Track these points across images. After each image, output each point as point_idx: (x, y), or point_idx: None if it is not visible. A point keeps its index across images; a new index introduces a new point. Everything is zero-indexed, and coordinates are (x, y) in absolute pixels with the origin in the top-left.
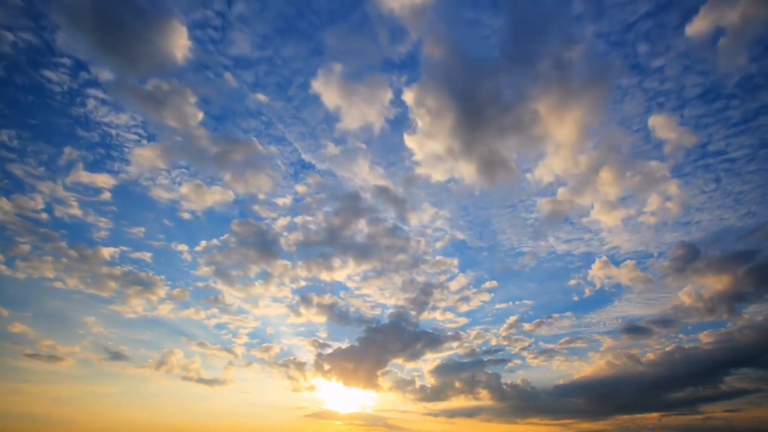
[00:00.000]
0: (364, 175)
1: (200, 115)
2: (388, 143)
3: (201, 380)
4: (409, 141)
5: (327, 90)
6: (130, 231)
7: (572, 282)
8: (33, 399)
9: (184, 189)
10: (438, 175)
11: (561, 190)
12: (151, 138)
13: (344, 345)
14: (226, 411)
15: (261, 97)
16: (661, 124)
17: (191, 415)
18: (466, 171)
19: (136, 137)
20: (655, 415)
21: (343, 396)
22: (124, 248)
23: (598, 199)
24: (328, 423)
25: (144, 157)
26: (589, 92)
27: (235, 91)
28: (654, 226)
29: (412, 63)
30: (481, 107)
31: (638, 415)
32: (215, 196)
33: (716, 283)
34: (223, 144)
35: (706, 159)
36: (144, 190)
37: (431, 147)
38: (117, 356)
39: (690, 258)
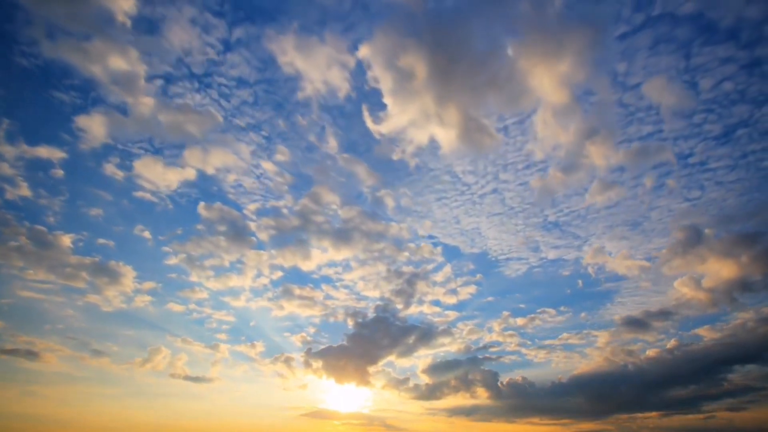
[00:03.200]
0: (333, 151)
1: (148, 84)
2: (353, 111)
3: (188, 378)
4: (378, 107)
5: (283, 50)
6: (89, 213)
7: (565, 273)
8: (14, 397)
9: (138, 165)
10: (415, 152)
11: (552, 169)
12: (97, 105)
13: (334, 340)
14: (218, 410)
15: (211, 51)
16: (657, 88)
17: (181, 414)
18: (445, 142)
19: (81, 104)
20: (655, 414)
21: (339, 395)
22: (85, 234)
23: (593, 178)
24: (326, 423)
25: (92, 128)
26: (577, 39)
27: (185, 53)
28: (650, 204)
29: (371, 17)
30: (453, 60)
31: (639, 414)
32: (176, 175)
33: (719, 270)
34: (177, 114)
35: (688, 169)
36: (96, 165)
37: (403, 115)
38: (98, 353)
39: (691, 243)
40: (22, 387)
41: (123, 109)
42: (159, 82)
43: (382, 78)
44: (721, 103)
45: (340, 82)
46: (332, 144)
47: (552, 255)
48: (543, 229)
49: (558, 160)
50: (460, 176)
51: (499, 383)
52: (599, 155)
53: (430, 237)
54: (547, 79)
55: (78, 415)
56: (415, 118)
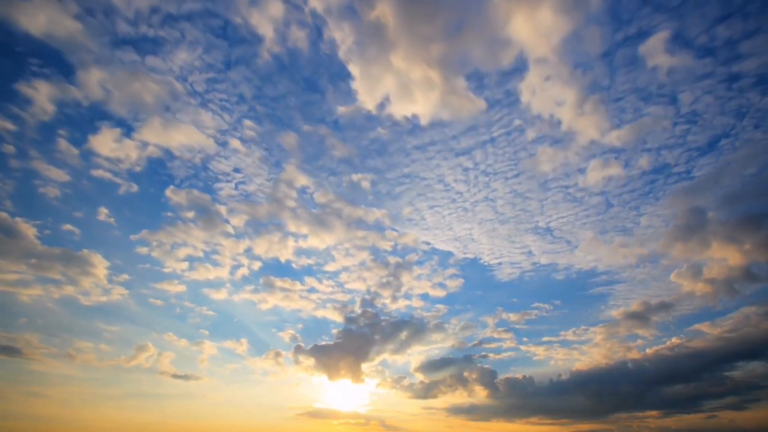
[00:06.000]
0: (303, 127)
1: (99, 48)
2: (319, 75)
3: (176, 376)
4: (345, 72)
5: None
6: (47, 196)
7: (559, 276)
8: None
9: (94, 141)
10: (393, 127)
11: (541, 149)
12: (42, 71)
13: (323, 336)
14: (212, 409)
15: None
16: (654, 51)
17: (172, 414)
18: (425, 112)
19: (24, 70)
20: (655, 413)
21: (335, 394)
22: (49, 220)
23: (589, 158)
24: (324, 423)
25: (37, 98)
26: None
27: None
28: (639, 211)
29: None
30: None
31: (639, 413)
32: (137, 153)
33: (720, 259)
34: (128, 79)
35: (674, 177)
36: (48, 141)
37: (375, 81)
38: (81, 350)
39: (691, 229)
40: (6, 385)
41: (71, 77)
42: (110, 46)
43: (346, 33)
44: (702, 115)
45: (303, 44)
46: (300, 120)
47: (545, 259)
48: (535, 233)
49: (548, 137)
50: (452, 185)
51: (496, 381)
52: (592, 126)
53: (426, 243)
54: (529, 28)
55: (67, 414)
56: (387, 81)
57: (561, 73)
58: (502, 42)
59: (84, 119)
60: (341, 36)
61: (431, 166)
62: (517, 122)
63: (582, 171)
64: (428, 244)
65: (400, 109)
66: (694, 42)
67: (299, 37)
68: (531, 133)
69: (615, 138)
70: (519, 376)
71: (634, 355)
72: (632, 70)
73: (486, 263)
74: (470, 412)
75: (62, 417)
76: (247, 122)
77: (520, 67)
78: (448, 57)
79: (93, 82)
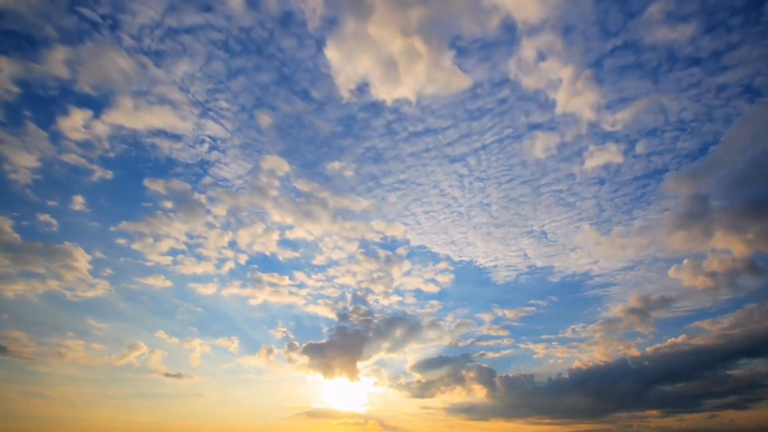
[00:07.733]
0: (286, 107)
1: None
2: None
3: (168, 375)
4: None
5: None
6: (18, 182)
7: (557, 268)
8: None
9: (62, 123)
10: (378, 107)
11: (537, 133)
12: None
13: (316, 333)
14: (208, 408)
15: None
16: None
17: (166, 413)
18: (409, 89)
19: None
20: (655, 412)
21: (333, 394)
22: (25, 211)
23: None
24: (323, 422)
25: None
26: None
27: None
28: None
29: None
30: None
31: (639, 413)
32: (109, 135)
33: (725, 247)
34: (95, 55)
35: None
36: (13, 123)
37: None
38: (70, 348)
39: (692, 219)
40: None
41: (35, 55)
42: (76, 18)
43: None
44: (690, 123)
45: (275, 14)
46: (280, 101)
47: (541, 262)
48: (530, 237)
49: (542, 124)
50: (447, 191)
51: (495, 380)
52: (587, 107)
53: (422, 247)
54: None
55: (60, 414)
56: (366, 58)
57: (555, 47)
58: (486, 8)
59: (51, 99)
60: (313, 6)
61: (426, 172)
62: (509, 103)
63: (580, 158)
64: (425, 247)
65: (384, 93)
66: (680, 52)
67: (272, 7)
68: (522, 118)
69: (609, 125)
70: (518, 374)
71: (634, 353)
72: (621, 79)
73: (481, 266)
74: (469, 411)
75: (55, 416)
76: (224, 104)
77: (510, 40)
78: (428, 23)
79: (58, 59)
